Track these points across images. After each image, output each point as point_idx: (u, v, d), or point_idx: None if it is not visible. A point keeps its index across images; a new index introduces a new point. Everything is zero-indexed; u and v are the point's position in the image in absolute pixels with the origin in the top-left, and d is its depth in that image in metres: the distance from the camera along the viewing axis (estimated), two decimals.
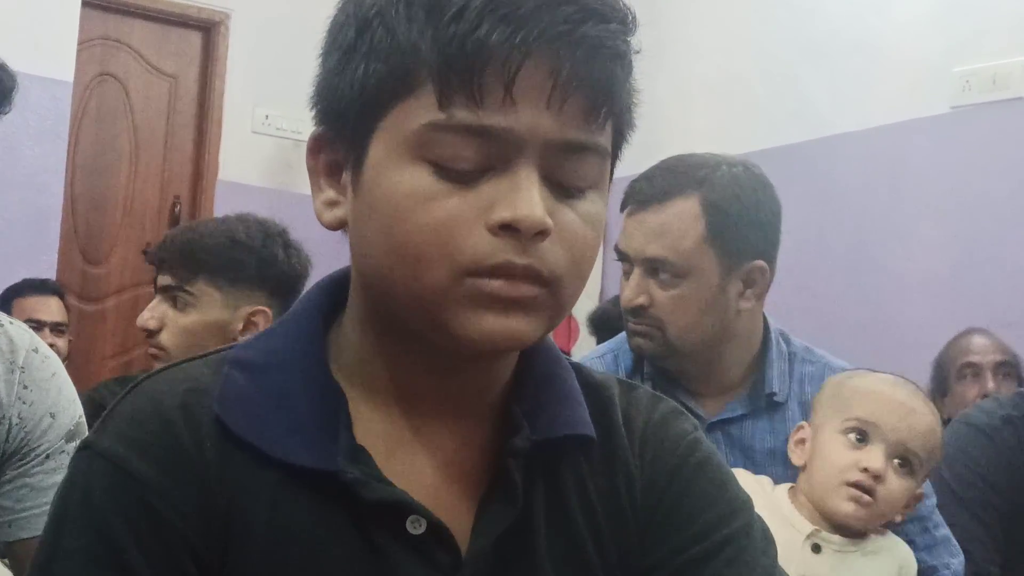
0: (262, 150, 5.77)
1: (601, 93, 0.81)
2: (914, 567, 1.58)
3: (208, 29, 5.78)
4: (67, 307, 4.16)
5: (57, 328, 4.00)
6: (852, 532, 1.55)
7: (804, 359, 1.78)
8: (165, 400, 0.85)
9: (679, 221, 1.66)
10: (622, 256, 1.73)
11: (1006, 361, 3.54)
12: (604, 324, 3.87)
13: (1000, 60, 4.20)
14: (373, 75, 0.81)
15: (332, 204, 0.87)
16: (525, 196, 0.78)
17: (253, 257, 1.98)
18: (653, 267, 1.68)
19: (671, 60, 5.07)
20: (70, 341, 4.16)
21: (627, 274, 1.73)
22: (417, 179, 0.79)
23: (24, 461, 1.46)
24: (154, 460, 0.82)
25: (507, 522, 0.86)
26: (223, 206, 5.15)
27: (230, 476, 0.83)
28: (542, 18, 0.77)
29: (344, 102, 0.83)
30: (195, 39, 5.80)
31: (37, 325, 3.86)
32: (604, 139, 0.83)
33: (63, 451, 1.47)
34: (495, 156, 0.79)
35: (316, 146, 0.88)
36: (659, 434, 0.94)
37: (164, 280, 1.98)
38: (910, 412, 1.58)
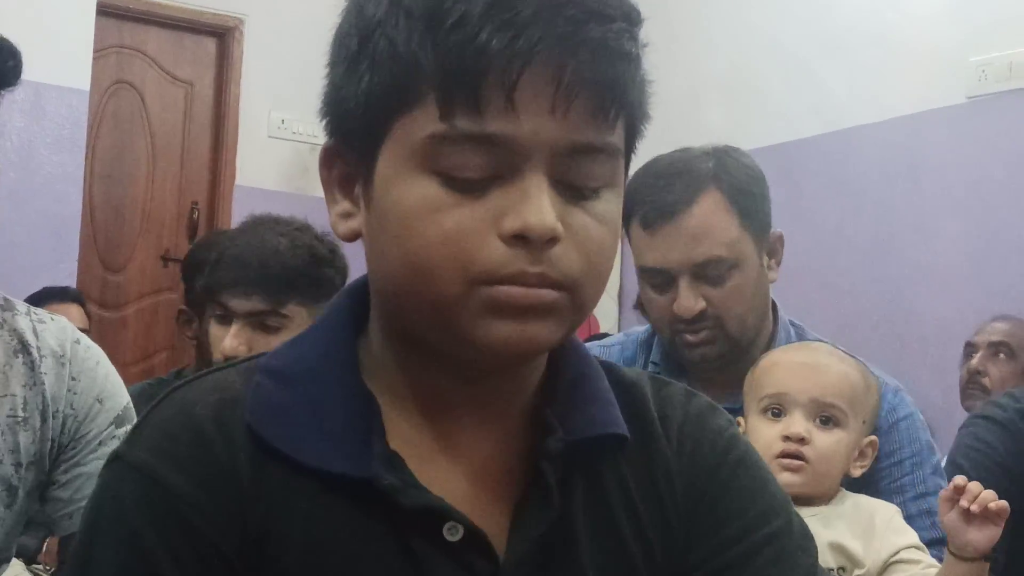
0: (278, 154, 5.78)
1: (608, 93, 0.79)
2: (890, 512, 1.56)
3: (222, 35, 5.79)
4: (88, 314, 4.17)
5: None
6: (805, 501, 1.51)
7: None
8: (198, 410, 0.84)
9: (715, 217, 1.67)
10: (658, 272, 1.71)
11: (1002, 342, 3.59)
12: None
13: (1016, 49, 4.17)
14: (377, 86, 0.80)
15: (346, 216, 0.87)
16: (534, 204, 0.77)
17: (335, 272, 1.98)
18: (703, 270, 1.67)
19: (684, 54, 5.05)
20: None
21: (658, 289, 1.72)
22: (425, 190, 0.79)
23: (77, 450, 1.50)
24: (188, 472, 0.81)
25: (544, 526, 0.85)
26: (241, 211, 5.15)
27: (265, 487, 0.82)
28: (543, 22, 0.76)
29: (350, 114, 0.82)
30: (210, 45, 5.82)
31: None
32: (615, 138, 0.82)
33: (114, 436, 1.51)
34: (502, 164, 0.78)
35: (328, 158, 0.87)
36: (696, 430, 0.93)
37: (249, 305, 1.92)
38: (814, 369, 1.60)
